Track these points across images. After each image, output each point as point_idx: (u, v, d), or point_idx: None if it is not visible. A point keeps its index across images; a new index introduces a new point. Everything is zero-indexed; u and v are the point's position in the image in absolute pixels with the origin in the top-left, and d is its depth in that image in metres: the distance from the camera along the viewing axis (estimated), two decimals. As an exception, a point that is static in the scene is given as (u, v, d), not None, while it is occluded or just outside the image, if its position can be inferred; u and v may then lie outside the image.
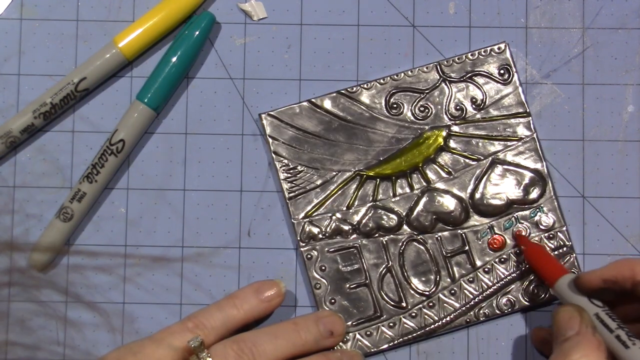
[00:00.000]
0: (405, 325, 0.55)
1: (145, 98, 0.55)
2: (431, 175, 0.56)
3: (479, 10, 0.57)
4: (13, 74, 0.57)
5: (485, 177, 0.55)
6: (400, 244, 0.55)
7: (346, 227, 0.55)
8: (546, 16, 0.57)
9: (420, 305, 0.55)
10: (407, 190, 0.56)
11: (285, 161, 0.56)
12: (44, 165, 0.56)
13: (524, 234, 0.55)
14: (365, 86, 0.56)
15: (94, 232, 0.56)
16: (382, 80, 0.56)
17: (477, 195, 0.55)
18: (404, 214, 0.55)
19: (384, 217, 0.55)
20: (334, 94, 0.56)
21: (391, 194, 0.56)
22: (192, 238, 0.56)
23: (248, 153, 0.56)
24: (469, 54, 0.56)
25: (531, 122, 0.56)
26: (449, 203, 0.55)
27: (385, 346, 0.55)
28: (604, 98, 0.56)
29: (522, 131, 0.56)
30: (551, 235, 0.55)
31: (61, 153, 0.56)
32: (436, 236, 0.55)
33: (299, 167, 0.56)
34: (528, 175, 0.55)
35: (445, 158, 0.56)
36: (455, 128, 0.56)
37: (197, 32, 0.55)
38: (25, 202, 0.56)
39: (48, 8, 0.57)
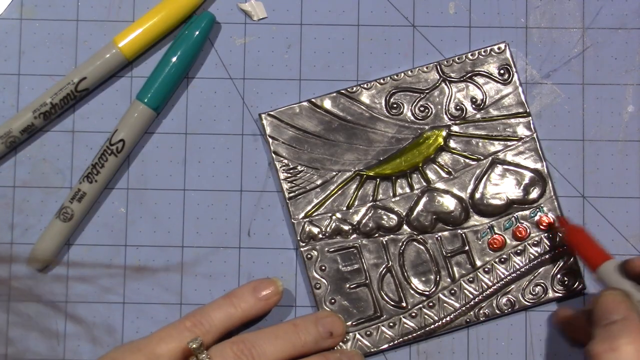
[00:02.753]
0: (405, 325, 0.55)
1: (145, 98, 0.55)
2: (431, 175, 0.55)
3: (479, 10, 0.57)
4: (13, 74, 0.57)
5: (485, 177, 0.55)
6: (400, 244, 0.55)
7: (346, 227, 0.55)
8: (546, 16, 0.57)
9: (420, 305, 0.55)
10: (407, 190, 0.55)
11: (285, 161, 0.56)
12: (43, 165, 0.56)
13: (525, 233, 0.55)
14: (365, 86, 0.56)
15: (94, 232, 0.56)
16: (382, 80, 0.56)
17: (477, 195, 0.55)
18: (404, 214, 0.55)
19: (384, 217, 0.55)
20: (334, 94, 0.56)
21: (391, 194, 0.55)
22: (192, 238, 0.56)
23: (248, 153, 0.56)
24: (469, 54, 0.56)
25: (531, 122, 0.55)
26: (449, 203, 0.55)
27: (385, 346, 0.54)
28: (604, 98, 0.56)
29: (522, 131, 0.55)
30: (551, 236, 0.55)
31: (61, 153, 0.56)
32: (436, 236, 0.55)
33: (299, 167, 0.56)
34: (528, 175, 0.55)
35: (445, 158, 0.56)
36: (455, 128, 0.56)
37: (197, 32, 0.55)
38: (25, 202, 0.56)
39: (48, 8, 0.57)
